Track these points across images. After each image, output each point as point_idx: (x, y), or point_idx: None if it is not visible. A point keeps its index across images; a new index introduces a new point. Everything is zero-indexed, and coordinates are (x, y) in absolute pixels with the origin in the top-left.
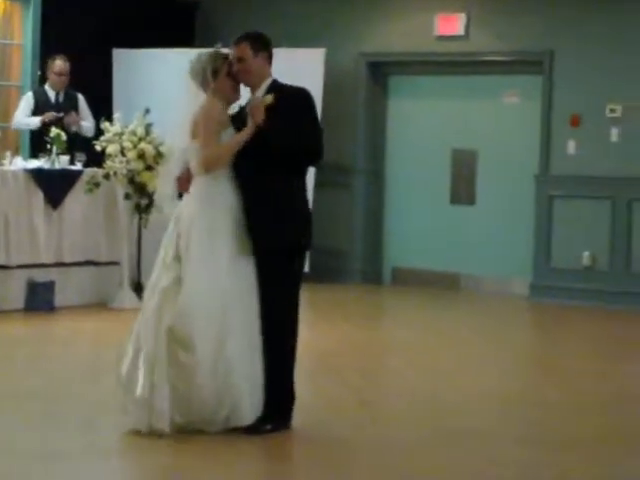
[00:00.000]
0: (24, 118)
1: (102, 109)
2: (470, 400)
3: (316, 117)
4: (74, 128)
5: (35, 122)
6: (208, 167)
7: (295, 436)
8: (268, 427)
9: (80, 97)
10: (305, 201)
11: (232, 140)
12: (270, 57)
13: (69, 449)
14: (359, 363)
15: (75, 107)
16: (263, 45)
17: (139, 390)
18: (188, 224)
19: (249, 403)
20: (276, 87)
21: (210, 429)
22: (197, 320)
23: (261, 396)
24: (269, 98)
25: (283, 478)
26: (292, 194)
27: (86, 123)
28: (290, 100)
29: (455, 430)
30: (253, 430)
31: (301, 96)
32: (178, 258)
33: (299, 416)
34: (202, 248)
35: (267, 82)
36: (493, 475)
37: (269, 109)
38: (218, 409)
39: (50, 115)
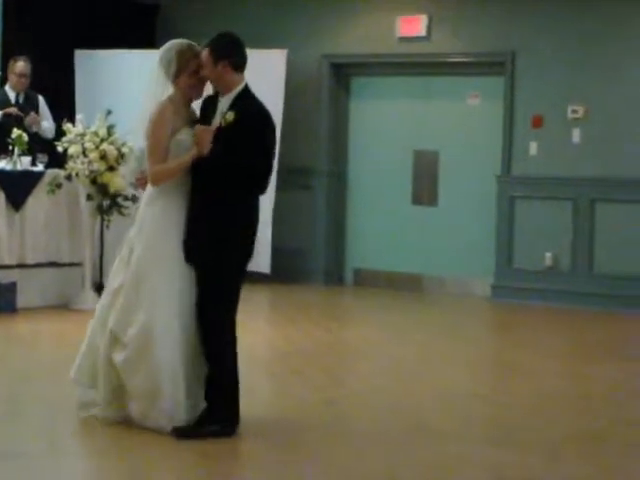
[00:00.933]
0: None
1: (64, 110)
2: (433, 400)
3: (268, 144)
4: (34, 129)
5: None
6: (154, 182)
7: (256, 435)
8: (212, 428)
9: (40, 98)
10: (257, 215)
11: (178, 161)
12: (235, 64)
13: (28, 449)
14: (322, 363)
15: (35, 108)
16: (225, 53)
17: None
18: (137, 227)
19: (187, 404)
20: (240, 101)
21: (145, 423)
22: (133, 325)
23: (201, 398)
24: (230, 116)
25: (244, 478)
26: (249, 208)
27: (46, 124)
28: (246, 122)
29: (417, 429)
30: (193, 431)
31: (258, 119)
32: (128, 261)
33: (261, 414)
34: (144, 253)
35: (237, 90)
36: (457, 475)
37: (227, 126)
38: (150, 405)
39: (12, 109)
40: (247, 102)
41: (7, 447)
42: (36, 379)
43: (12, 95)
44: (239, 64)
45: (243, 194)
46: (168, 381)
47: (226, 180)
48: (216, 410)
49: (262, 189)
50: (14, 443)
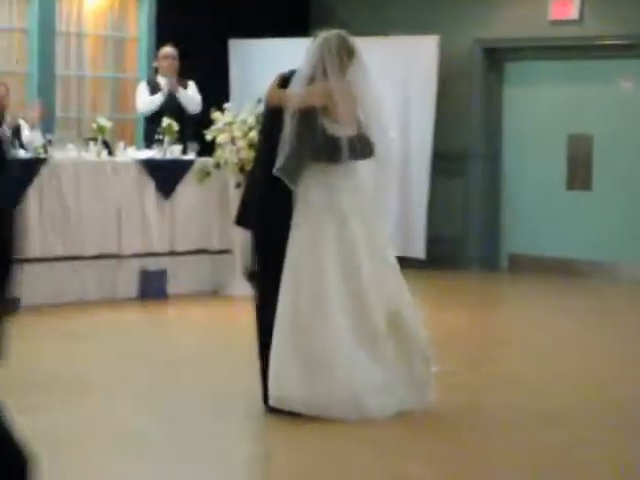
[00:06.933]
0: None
1: (220, 99)
2: (562, 385)
3: None
4: (174, 92)
5: (157, 99)
6: None
7: (386, 421)
8: None
9: (191, 83)
10: None
11: None
12: None
13: (157, 438)
14: (460, 349)
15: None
16: None
17: None
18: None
19: None
20: None
21: None
22: None
23: None
24: None
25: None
26: None
27: (189, 93)
28: None
29: (544, 415)
30: None
31: None
32: None
33: None
34: None
35: None
36: (581, 461)
37: None
38: None
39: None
40: None
41: (136, 434)
42: (179, 365)
43: (162, 81)
44: None
45: None
46: None
47: None
48: None
49: None
50: (144, 428)
